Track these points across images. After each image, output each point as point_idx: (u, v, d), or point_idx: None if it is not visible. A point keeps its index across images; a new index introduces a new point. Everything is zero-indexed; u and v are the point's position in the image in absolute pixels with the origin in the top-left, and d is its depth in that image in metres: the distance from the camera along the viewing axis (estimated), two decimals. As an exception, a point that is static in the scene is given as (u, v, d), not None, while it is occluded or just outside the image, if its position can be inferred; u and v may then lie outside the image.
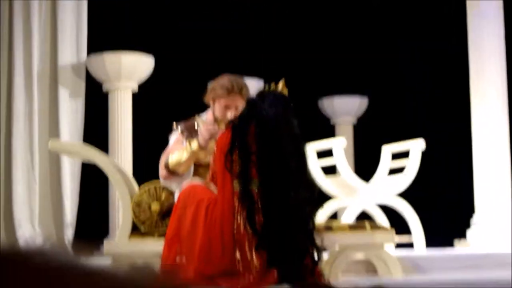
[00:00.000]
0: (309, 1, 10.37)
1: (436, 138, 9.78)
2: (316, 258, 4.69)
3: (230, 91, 5.17)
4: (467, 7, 7.78)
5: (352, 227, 5.42)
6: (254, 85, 4.88)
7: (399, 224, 6.84)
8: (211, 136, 5.06)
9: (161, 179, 5.33)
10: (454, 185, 9.68)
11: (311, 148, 7.10)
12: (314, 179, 4.85)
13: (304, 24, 10.34)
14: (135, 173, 6.88)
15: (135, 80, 8.12)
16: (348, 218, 6.88)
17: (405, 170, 6.95)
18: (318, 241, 4.70)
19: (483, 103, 7.50)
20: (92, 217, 8.32)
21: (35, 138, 7.68)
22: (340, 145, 7.02)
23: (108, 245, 5.35)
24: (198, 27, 9.68)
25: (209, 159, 5.00)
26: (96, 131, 8.19)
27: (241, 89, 5.17)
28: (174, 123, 5.42)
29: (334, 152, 6.98)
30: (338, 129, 10.36)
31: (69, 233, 7.70)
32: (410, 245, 6.95)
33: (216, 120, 5.29)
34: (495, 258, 6.04)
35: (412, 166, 6.89)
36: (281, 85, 4.79)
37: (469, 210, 7.59)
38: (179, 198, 4.85)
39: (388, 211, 7.18)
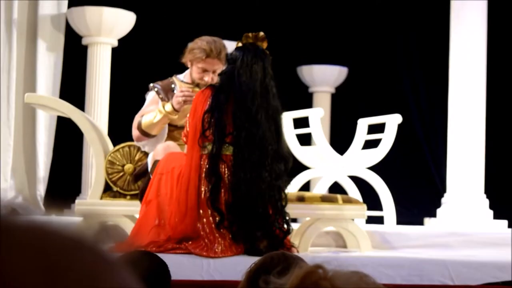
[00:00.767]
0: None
1: (414, 113, 9.83)
2: (285, 230, 4.72)
3: (208, 55, 5.15)
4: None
5: (324, 199, 5.43)
6: (233, 48, 4.86)
7: (371, 197, 6.88)
8: (186, 100, 5.03)
9: (134, 140, 5.32)
10: (429, 163, 9.73)
11: (288, 116, 7.09)
12: (289, 152, 4.85)
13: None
14: (111, 132, 6.84)
15: (115, 35, 8.05)
16: (321, 189, 6.90)
17: (380, 144, 6.97)
18: (287, 212, 4.72)
19: (460, 81, 7.52)
20: (65, 174, 8.28)
21: (12, 91, 7.62)
22: (317, 115, 7.01)
23: (79, 204, 5.33)
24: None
25: (184, 122, 5.00)
26: (73, 86, 8.13)
27: (220, 53, 5.15)
28: (151, 84, 5.39)
29: (310, 122, 6.98)
30: (316, 98, 10.37)
31: (41, 188, 7.66)
32: (381, 221, 6.99)
33: (193, 81, 5.28)
34: (462, 236, 6.10)
35: (387, 140, 6.90)
36: (261, 37, 4.77)
37: (442, 188, 7.65)
38: (158, 163, 4.86)
39: (361, 184, 7.20)
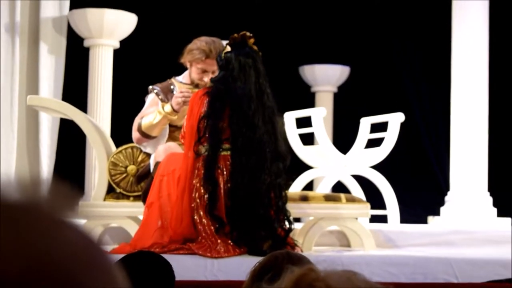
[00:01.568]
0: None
1: (417, 112, 9.82)
2: (287, 228, 4.72)
3: (208, 55, 5.16)
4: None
5: (327, 198, 5.43)
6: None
7: (375, 197, 6.87)
8: (185, 100, 5.04)
9: (135, 142, 5.32)
10: (432, 161, 9.73)
11: (291, 116, 7.10)
12: (287, 149, 4.85)
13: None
14: (113, 134, 6.84)
15: (117, 37, 8.06)
16: (324, 188, 6.91)
17: (382, 143, 6.97)
18: (289, 211, 4.73)
19: (463, 80, 7.51)
20: (68, 175, 8.27)
21: (15, 93, 7.62)
22: (320, 115, 7.02)
23: (83, 205, 5.33)
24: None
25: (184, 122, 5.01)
26: (75, 88, 8.13)
27: (219, 53, 5.16)
28: (150, 86, 5.40)
29: (313, 122, 6.98)
30: (318, 97, 10.37)
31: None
32: (385, 219, 6.99)
33: (192, 82, 5.29)
34: (466, 234, 6.10)
35: (389, 139, 6.90)
36: (247, 36, 4.77)
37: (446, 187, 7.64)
38: (159, 165, 4.86)
39: (364, 183, 7.20)
